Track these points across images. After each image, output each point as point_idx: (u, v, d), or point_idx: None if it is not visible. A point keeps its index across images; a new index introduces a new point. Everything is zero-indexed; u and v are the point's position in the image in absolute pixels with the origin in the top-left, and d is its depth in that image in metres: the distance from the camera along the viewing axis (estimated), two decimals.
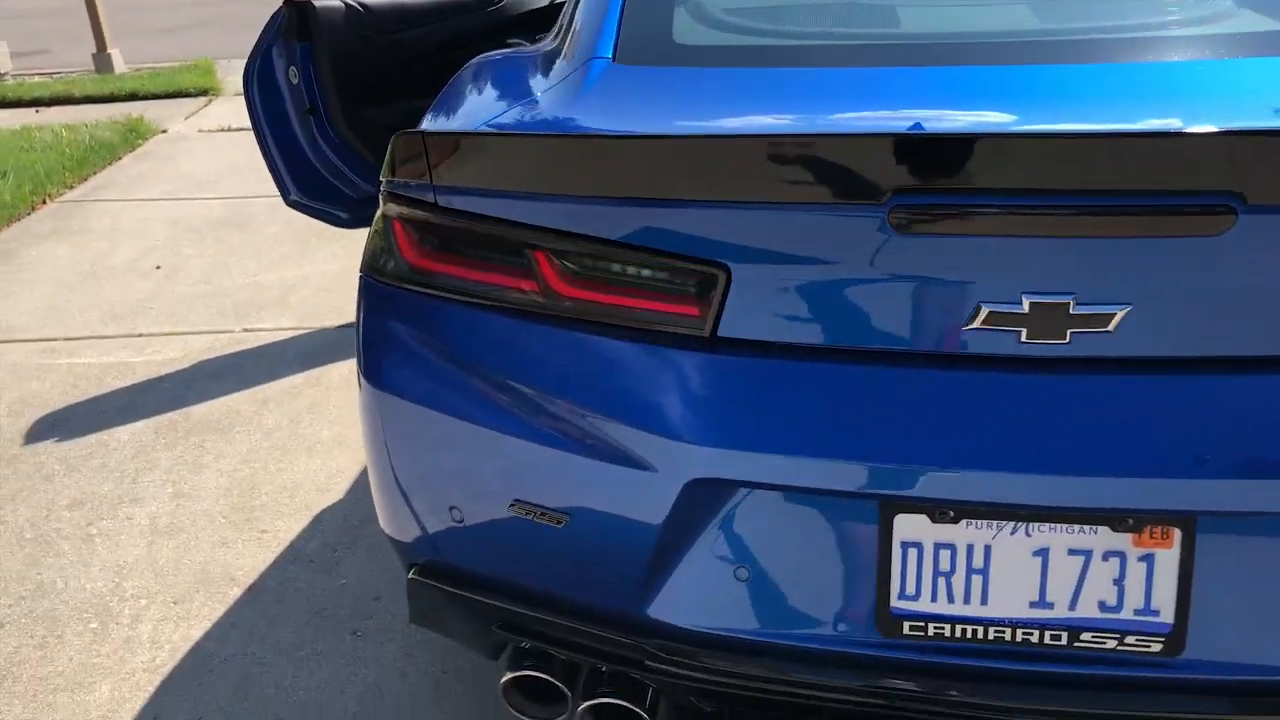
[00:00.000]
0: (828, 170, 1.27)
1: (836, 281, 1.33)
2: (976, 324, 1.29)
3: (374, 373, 1.58)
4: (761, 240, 1.33)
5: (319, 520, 2.65)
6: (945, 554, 1.35)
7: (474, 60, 2.20)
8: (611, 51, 1.72)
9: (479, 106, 1.70)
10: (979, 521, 1.33)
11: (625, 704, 1.56)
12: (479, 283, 1.49)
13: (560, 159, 1.41)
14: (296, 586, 2.42)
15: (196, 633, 2.28)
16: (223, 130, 6.54)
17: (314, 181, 3.55)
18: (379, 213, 1.63)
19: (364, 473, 2.84)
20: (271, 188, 5.43)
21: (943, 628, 1.37)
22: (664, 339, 1.40)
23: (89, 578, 2.47)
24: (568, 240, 1.42)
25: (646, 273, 1.41)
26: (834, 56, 1.63)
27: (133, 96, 7.34)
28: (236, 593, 2.41)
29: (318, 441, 3.01)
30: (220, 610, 2.35)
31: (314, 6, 3.32)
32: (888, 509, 1.35)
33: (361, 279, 1.64)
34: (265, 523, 2.65)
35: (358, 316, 1.64)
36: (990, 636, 1.36)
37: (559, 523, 1.45)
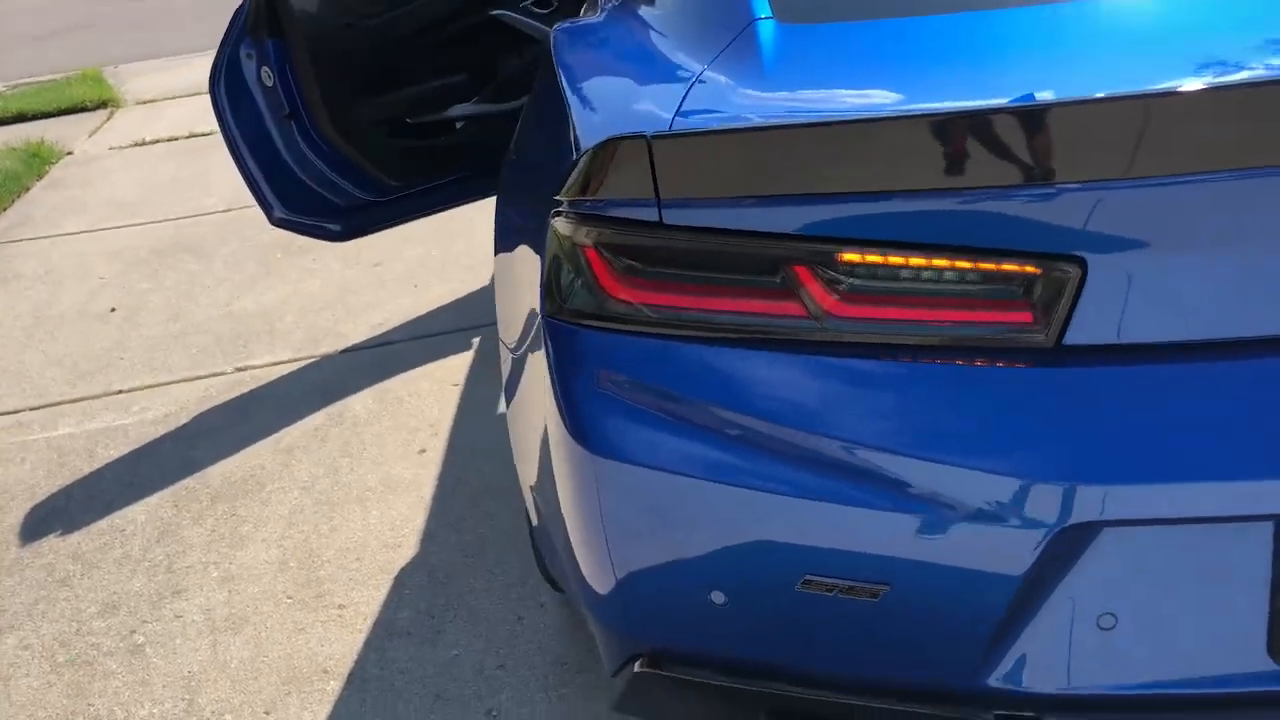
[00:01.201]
0: (1223, 129, 1.00)
1: (1218, 262, 1.06)
2: None
3: (592, 436, 1.25)
4: (1124, 225, 1.05)
5: (401, 583, 2.32)
6: None
7: (559, 41, 1.85)
8: (769, 9, 1.41)
9: (643, 96, 1.37)
10: None
11: None
12: (725, 313, 1.19)
13: (837, 149, 1.10)
14: (402, 668, 2.09)
15: None
16: (137, 145, 5.96)
17: (301, 194, 3.14)
18: (555, 241, 1.29)
19: (433, 518, 2.50)
20: (216, 202, 4.99)
21: None
22: (988, 356, 1.12)
23: (153, 700, 2.10)
24: (853, 248, 1.12)
25: (957, 277, 1.12)
26: None
27: (21, 117, 6.66)
28: (335, 687, 2.07)
29: (367, 490, 2.65)
30: (324, 713, 2.01)
31: None
32: None
33: (546, 324, 1.31)
34: (340, 595, 2.30)
35: (550, 369, 1.31)
36: None
37: (874, 596, 1.16)
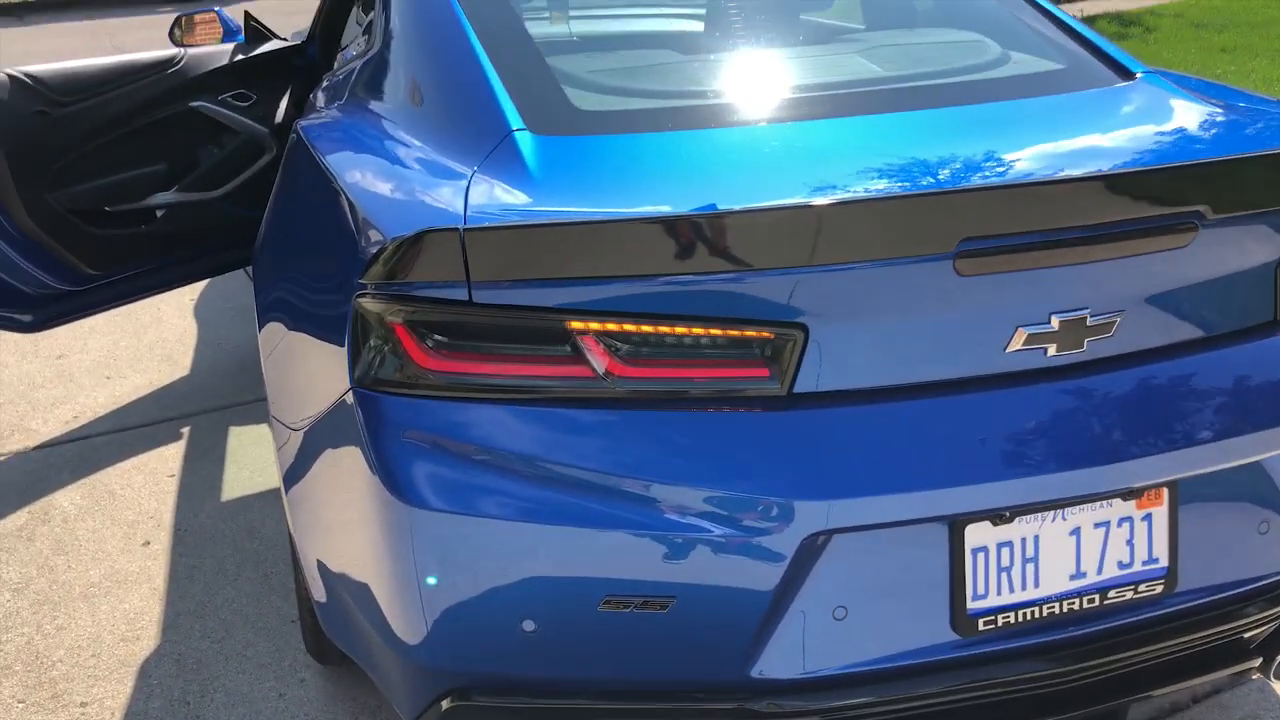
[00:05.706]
0: (902, 225, 1.38)
1: (898, 326, 1.45)
2: (1017, 345, 1.47)
3: (406, 490, 1.43)
4: (836, 298, 1.41)
5: (146, 674, 2.29)
6: (1005, 551, 1.52)
7: (316, 138, 2.01)
8: (521, 122, 1.69)
9: (427, 192, 1.56)
10: (1029, 516, 1.51)
11: None
12: (523, 377, 1.42)
13: (620, 242, 1.38)
14: None
15: None
16: None
17: None
18: (363, 319, 1.47)
19: (171, 608, 2.48)
20: None
21: (1008, 616, 1.53)
22: (737, 403, 1.43)
23: None
24: (630, 321, 1.40)
25: (710, 341, 1.43)
26: (742, 114, 1.75)
27: None
28: None
29: (91, 585, 2.57)
30: None
31: None
32: (959, 524, 1.48)
33: (358, 394, 1.48)
34: (80, 693, 2.24)
35: (361, 434, 1.47)
36: (1044, 614, 1.54)
37: (663, 608, 1.43)
